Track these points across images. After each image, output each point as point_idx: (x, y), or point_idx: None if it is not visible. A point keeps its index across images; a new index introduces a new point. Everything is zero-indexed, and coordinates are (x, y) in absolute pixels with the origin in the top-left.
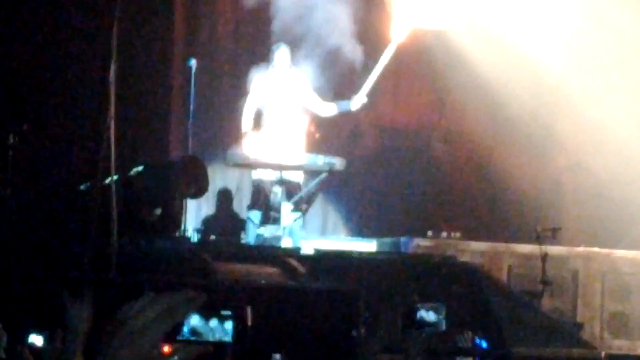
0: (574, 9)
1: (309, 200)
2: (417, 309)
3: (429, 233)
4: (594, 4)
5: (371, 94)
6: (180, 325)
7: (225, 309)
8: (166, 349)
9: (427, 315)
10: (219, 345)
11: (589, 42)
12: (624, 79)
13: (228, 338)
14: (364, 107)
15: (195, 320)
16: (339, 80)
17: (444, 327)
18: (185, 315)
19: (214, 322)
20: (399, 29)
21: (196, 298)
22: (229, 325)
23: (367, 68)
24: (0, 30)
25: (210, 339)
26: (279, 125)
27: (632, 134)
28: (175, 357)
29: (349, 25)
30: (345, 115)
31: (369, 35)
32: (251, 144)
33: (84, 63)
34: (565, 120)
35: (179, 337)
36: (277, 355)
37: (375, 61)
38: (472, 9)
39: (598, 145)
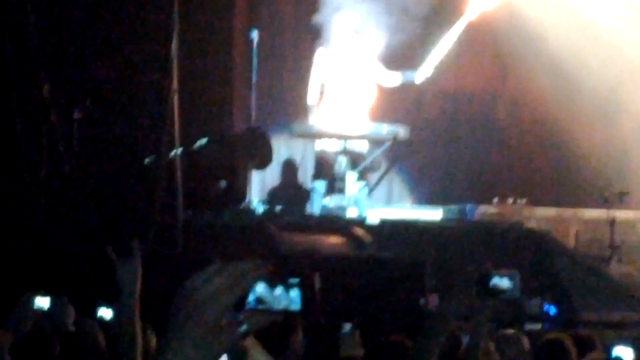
0: None
1: (373, 169)
2: (491, 276)
3: (495, 200)
4: None
5: (435, 63)
6: (246, 294)
7: (292, 276)
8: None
9: (501, 282)
10: (288, 314)
11: None
12: None
13: (296, 306)
14: (427, 80)
15: (261, 288)
16: (404, 51)
17: (518, 295)
18: (252, 285)
19: (280, 291)
20: (473, 8)
21: (262, 267)
22: (296, 293)
23: (432, 40)
24: (64, 11)
25: (277, 307)
26: (342, 95)
27: None
28: (244, 327)
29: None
30: (408, 84)
31: (439, 10)
32: (315, 115)
33: (146, 36)
34: (631, 84)
35: (246, 307)
36: (347, 325)
37: (442, 35)
38: None
39: None
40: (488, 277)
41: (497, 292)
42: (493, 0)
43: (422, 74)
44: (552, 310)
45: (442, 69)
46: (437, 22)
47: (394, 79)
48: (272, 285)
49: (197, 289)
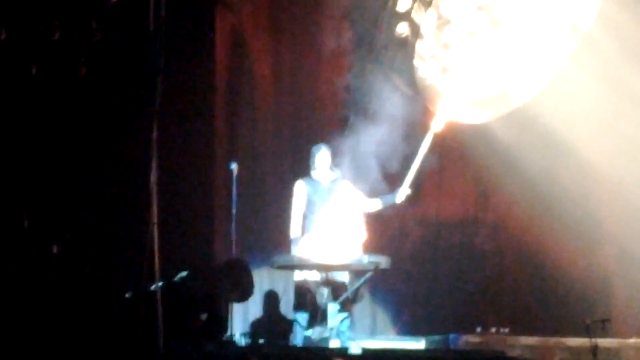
0: (615, 92)
1: (355, 300)
2: None
3: (478, 329)
4: (632, 88)
5: (416, 189)
6: None
7: None
8: None
9: None
10: None
11: (633, 128)
12: None
13: None
14: (409, 200)
15: None
16: (383, 177)
17: None
18: None
19: None
20: (437, 120)
21: None
22: None
23: (410, 161)
24: (41, 140)
25: None
26: (323, 226)
27: None
28: None
29: (390, 122)
30: (390, 213)
31: (413, 130)
32: (296, 246)
33: (125, 169)
34: (612, 208)
35: None
36: None
37: (415, 153)
38: (508, 102)
39: None
40: None
41: None
42: (456, 112)
43: (402, 193)
44: None
45: (424, 198)
46: (410, 142)
47: (375, 204)
48: None
49: None
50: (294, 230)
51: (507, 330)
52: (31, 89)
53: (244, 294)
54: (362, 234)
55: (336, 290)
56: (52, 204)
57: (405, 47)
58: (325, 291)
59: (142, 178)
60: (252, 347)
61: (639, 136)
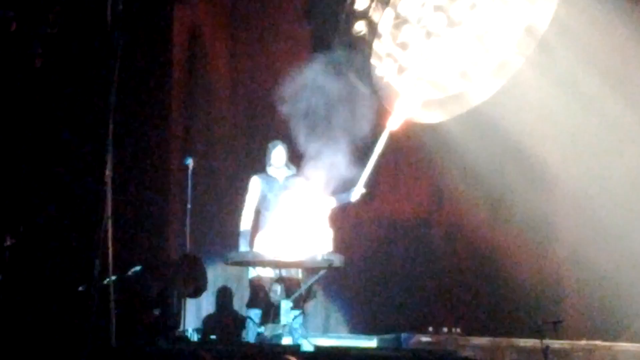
0: (569, 95)
1: (308, 297)
2: None
3: (430, 329)
4: (586, 91)
5: (371, 188)
6: None
7: None
8: None
9: None
10: None
11: (587, 131)
12: (623, 168)
13: None
14: (364, 199)
15: None
16: (338, 174)
17: None
18: None
19: None
20: (394, 119)
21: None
22: None
23: (365, 160)
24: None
25: None
26: (277, 223)
27: (632, 225)
28: None
29: (346, 120)
30: (345, 211)
31: (369, 129)
32: (250, 242)
33: (80, 161)
34: (564, 211)
35: None
36: None
37: (370, 151)
38: (464, 103)
39: (597, 237)
40: None
41: None
42: (412, 111)
43: (357, 191)
44: None
45: (378, 196)
46: (366, 140)
47: (330, 202)
48: None
49: None
50: (244, 223)
51: (459, 330)
52: None
53: (197, 289)
54: (327, 231)
55: (289, 287)
56: (4, 195)
57: (363, 45)
58: (278, 288)
59: (97, 172)
60: (204, 343)
61: (591, 139)
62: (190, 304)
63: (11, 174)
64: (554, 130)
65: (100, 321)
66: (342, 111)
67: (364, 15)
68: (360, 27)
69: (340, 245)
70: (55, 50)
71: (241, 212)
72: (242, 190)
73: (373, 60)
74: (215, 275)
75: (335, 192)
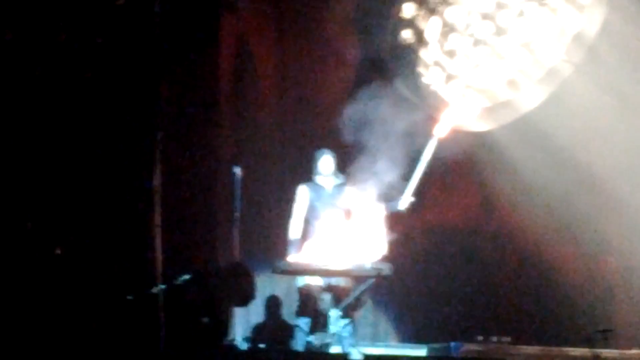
0: (619, 103)
1: (357, 306)
2: None
3: (479, 338)
4: (636, 100)
5: (420, 196)
6: None
7: None
8: None
9: None
10: None
11: (638, 140)
12: None
13: None
14: (413, 207)
15: None
16: (389, 182)
17: None
18: None
19: None
20: (441, 127)
21: None
22: None
23: (414, 168)
24: (46, 143)
25: None
26: (326, 231)
27: None
28: None
29: (394, 129)
30: (394, 219)
31: (416, 137)
32: (299, 251)
33: (129, 172)
34: (616, 220)
35: None
36: None
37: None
38: (512, 111)
39: None
40: None
41: None
42: (460, 119)
43: (405, 200)
44: None
45: (427, 205)
46: (414, 149)
47: (378, 211)
48: None
49: None
50: (293, 232)
51: (508, 339)
52: (36, 91)
53: (246, 298)
54: (384, 237)
55: (338, 296)
56: (55, 206)
57: (410, 54)
58: (327, 297)
59: (146, 181)
60: (254, 352)
61: None
62: (239, 313)
63: (61, 184)
64: (604, 139)
65: (150, 329)
66: (390, 119)
67: (411, 23)
68: (407, 35)
69: (389, 254)
70: (104, 61)
71: (289, 221)
72: (290, 199)
73: (420, 69)
74: (264, 284)
75: (384, 201)
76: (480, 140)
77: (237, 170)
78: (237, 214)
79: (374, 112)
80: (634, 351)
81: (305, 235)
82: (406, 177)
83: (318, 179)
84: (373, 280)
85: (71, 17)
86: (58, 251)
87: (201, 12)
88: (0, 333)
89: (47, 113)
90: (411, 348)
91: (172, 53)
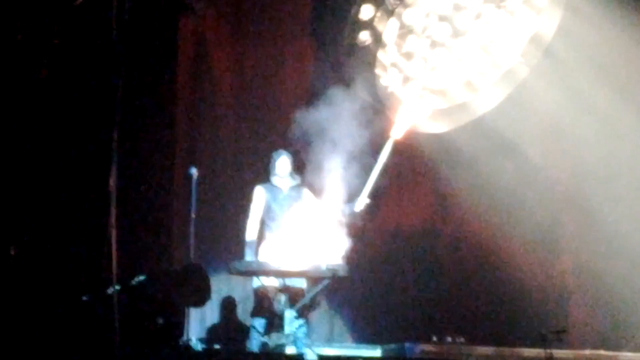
0: (576, 104)
1: (312, 307)
2: None
3: (434, 338)
4: (592, 101)
5: (376, 198)
6: None
7: None
8: None
9: None
10: None
11: (593, 141)
12: (629, 179)
13: None
14: (368, 209)
15: None
16: (343, 183)
17: None
18: None
19: None
20: (397, 128)
21: None
22: None
23: (369, 169)
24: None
25: None
26: (281, 232)
27: (637, 236)
28: None
29: (350, 130)
30: (349, 221)
31: (372, 138)
32: (254, 252)
33: (84, 173)
34: (570, 222)
35: None
36: None
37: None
38: (468, 112)
39: (603, 248)
40: None
41: None
42: (417, 121)
43: (360, 201)
44: None
45: (383, 207)
46: (369, 150)
47: (334, 212)
48: None
49: None
50: (249, 234)
51: (463, 339)
52: None
53: (201, 299)
54: (341, 240)
55: (294, 296)
56: (10, 206)
57: (367, 55)
58: (282, 297)
59: (101, 182)
60: (209, 353)
61: (598, 149)
62: (194, 314)
63: (15, 184)
64: (560, 141)
65: (105, 330)
66: (346, 120)
67: (369, 25)
68: (364, 36)
69: (345, 255)
70: (60, 61)
71: (246, 222)
72: (246, 200)
73: (377, 70)
74: (220, 284)
75: (339, 203)
76: (437, 141)
77: (194, 171)
78: (193, 215)
79: (331, 113)
80: (587, 352)
81: (261, 237)
82: (361, 179)
83: (274, 180)
84: (328, 281)
85: (28, 16)
86: (12, 251)
87: (160, 13)
88: None
89: (2, 113)
90: (366, 349)
91: (129, 54)
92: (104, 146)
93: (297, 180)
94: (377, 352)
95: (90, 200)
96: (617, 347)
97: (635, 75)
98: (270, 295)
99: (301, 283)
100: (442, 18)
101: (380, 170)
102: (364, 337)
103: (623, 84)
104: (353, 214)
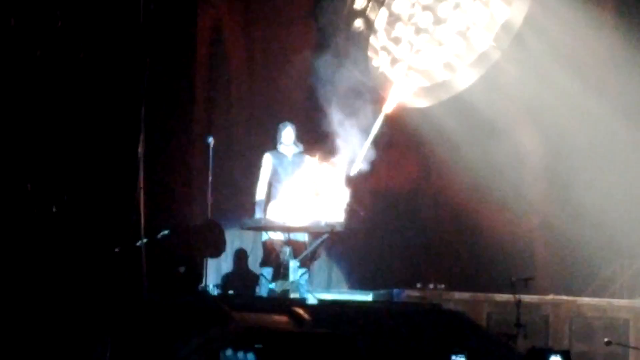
0: (542, 83)
1: (313, 257)
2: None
3: (418, 285)
4: (556, 81)
5: (369, 164)
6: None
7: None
8: None
9: None
10: None
11: (556, 115)
12: (586, 147)
13: None
14: (362, 173)
15: (230, 352)
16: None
17: None
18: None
19: (243, 355)
20: (388, 104)
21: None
22: (252, 356)
23: (363, 139)
24: (46, 118)
25: None
26: (286, 193)
27: (593, 197)
28: None
29: (347, 105)
30: (346, 183)
31: (366, 112)
32: (263, 210)
33: (117, 142)
34: (536, 186)
35: None
36: None
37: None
38: (448, 90)
39: (565, 207)
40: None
41: None
42: (404, 97)
43: (355, 167)
44: None
45: (375, 171)
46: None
47: (333, 175)
48: (235, 350)
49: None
50: (259, 194)
51: (443, 286)
52: (34, 69)
53: (217, 251)
54: (344, 193)
55: (297, 249)
56: (53, 171)
57: (361, 40)
58: (287, 250)
59: (131, 149)
60: (223, 297)
61: (561, 123)
62: (211, 264)
63: (57, 153)
64: (527, 115)
65: (134, 278)
66: (343, 97)
67: (362, 13)
68: (358, 23)
69: (342, 213)
70: (98, 45)
71: (256, 184)
72: (256, 165)
73: (370, 53)
74: (233, 238)
75: (338, 167)
76: (421, 115)
77: (210, 140)
78: (210, 177)
79: (330, 90)
80: (550, 297)
81: (269, 197)
82: (357, 147)
83: (280, 147)
84: (327, 235)
85: (65, 7)
86: (54, 209)
87: (180, 2)
88: (6, 278)
89: (46, 90)
90: (359, 294)
91: (155, 38)
92: (133, 118)
93: (300, 148)
94: (369, 296)
95: (121, 165)
96: (577, 293)
97: (595, 61)
98: (277, 248)
99: (303, 237)
100: (425, 7)
101: (373, 140)
102: (357, 284)
103: (586, 69)
104: (349, 178)
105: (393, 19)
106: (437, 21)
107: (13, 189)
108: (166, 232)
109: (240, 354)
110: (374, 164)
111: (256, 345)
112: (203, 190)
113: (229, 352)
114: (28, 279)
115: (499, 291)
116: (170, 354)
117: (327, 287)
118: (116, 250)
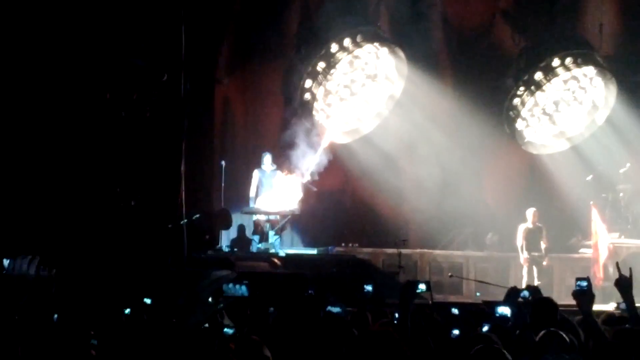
0: (419, 129)
1: (282, 229)
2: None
3: (342, 244)
4: (427, 129)
5: (315, 175)
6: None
7: (244, 281)
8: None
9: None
10: (241, 298)
11: (427, 149)
12: (440, 166)
13: (245, 294)
14: (310, 180)
15: (229, 285)
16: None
17: None
18: (226, 282)
19: (238, 287)
20: (325, 140)
21: (230, 275)
22: (244, 289)
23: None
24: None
25: (236, 294)
26: (267, 193)
27: (447, 189)
28: (221, 304)
29: (300, 142)
30: (303, 186)
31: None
32: (254, 202)
33: (167, 163)
34: (410, 184)
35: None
36: (271, 308)
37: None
38: (359, 132)
39: (430, 197)
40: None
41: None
42: (334, 137)
43: (306, 177)
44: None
45: (320, 179)
46: (312, 150)
47: (295, 181)
48: (234, 284)
49: (201, 283)
50: (251, 193)
51: (357, 245)
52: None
53: (228, 225)
54: (298, 194)
55: (273, 224)
56: (132, 177)
57: (309, 105)
58: (267, 225)
59: (175, 166)
60: (231, 253)
61: (430, 153)
62: (224, 234)
63: (137, 170)
64: (411, 151)
65: (179, 243)
66: (300, 136)
67: (309, 90)
68: (307, 96)
69: (299, 203)
70: (160, 103)
71: (250, 187)
72: (250, 176)
73: (314, 112)
74: (237, 218)
75: (296, 177)
76: (344, 147)
77: (223, 163)
78: (222, 184)
79: (293, 132)
80: (418, 250)
81: (257, 194)
82: (308, 165)
83: (263, 166)
84: (290, 216)
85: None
86: (133, 203)
87: (204, 84)
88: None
89: (127, 134)
90: (309, 249)
91: (190, 101)
92: (177, 146)
93: (274, 166)
94: (314, 251)
95: (171, 178)
96: (433, 248)
97: (446, 113)
98: (261, 224)
99: (276, 217)
100: (345, 86)
101: (316, 164)
102: (308, 243)
103: (442, 118)
104: (303, 184)
105: (327, 92)
106: (352, 94)
107: (109, 190)
108: (197, 215)
109: (237, 286)
110: (318, 175)
111: (244, 281)
112: (219, 192)
113: (230, 285)
114: (115, 245)
115: (388, 247)
116: (194, 286)
117: (291, 246)
118: (169, 226)
